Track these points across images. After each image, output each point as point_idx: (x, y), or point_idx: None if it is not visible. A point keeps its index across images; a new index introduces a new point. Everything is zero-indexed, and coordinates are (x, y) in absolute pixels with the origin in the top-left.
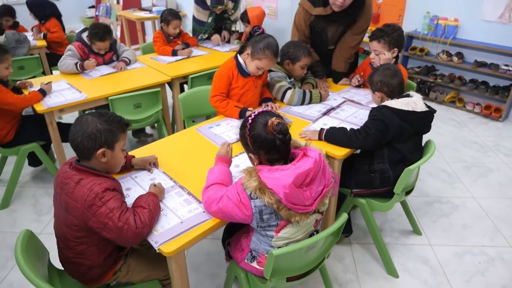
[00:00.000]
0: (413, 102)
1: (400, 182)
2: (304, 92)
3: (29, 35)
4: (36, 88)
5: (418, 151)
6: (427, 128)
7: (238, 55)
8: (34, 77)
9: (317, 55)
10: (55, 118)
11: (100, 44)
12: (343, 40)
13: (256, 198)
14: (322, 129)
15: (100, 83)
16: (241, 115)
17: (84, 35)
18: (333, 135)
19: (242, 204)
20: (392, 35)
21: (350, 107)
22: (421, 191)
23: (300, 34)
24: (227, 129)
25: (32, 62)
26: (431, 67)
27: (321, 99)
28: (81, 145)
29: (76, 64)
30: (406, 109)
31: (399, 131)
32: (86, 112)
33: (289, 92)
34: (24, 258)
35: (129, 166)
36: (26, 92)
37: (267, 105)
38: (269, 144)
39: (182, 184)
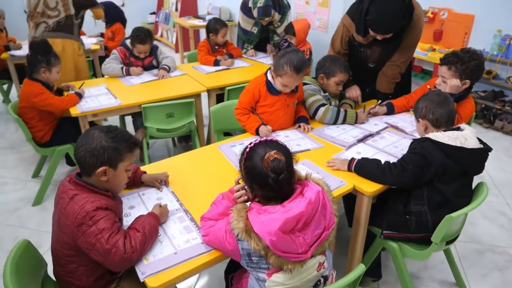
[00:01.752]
0: (463, 137)
1: (439, 230)
2: (338, 111)
3: (84, 38)
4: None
5: (465, 195)
6: (479, 169)
7: (268, 71)
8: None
9: (355, 72)
10: (101, 121)
11: (141, 47)
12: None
13: (244, 240)
14: (353, 159)
15: (138, 90)
16: (257, 131)
17: (128, 41)
18: (364, 167)
19: (228, 244)
20: (468, 64)
21: (391, 134)
22: (472, 236)
23: (335, 51)
24: None
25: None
26: (499, 92)
27: (357, 121)
28: (82, 160)
29: (122, 68)
30: (453, 144)
31: (443, 169)
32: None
33: (321, 109)
34: (13, 271)
35: (138, 182)
36: (66, 94)
37: (299, 126)
38: (263, 179)
39: (187, 208)
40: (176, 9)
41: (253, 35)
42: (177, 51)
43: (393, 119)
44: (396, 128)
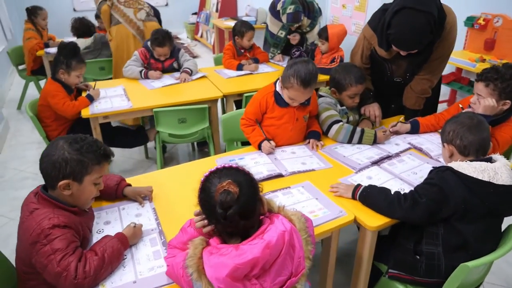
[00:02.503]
0: (493, 170)
1: (452, 280)
2: (354, 130)
3: None
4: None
5: (490, 239)
6: (510, 210)
7: (278, 81)
8: (111, 78)
9: (379, 87)
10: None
11: (159, 50)
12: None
13: (197, 281)
14: (359, 186)
15: (156, 93)
16: (260, 147)
17: (149, 43)
18: (369, 197)
19: (184, 281)
20: (510, 82)
21: (413, 158)
22: (508, 279)
23: (355, 61)
24: (250, 165)
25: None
26: None
27: (376, 141)
28: (45, 171)
29: (141, 71)
30: (479, 177)
31: (464, 207)
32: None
33: (334, 127)
34: None
35: (120, 195)
36: (84, 94)
37: (309, 142)
38: (215, 213)
39: (164, 229)
40: (217, 10)
41: (280, 39)
42: (214, 52)
43: (419, 139)
44: (420, 150)
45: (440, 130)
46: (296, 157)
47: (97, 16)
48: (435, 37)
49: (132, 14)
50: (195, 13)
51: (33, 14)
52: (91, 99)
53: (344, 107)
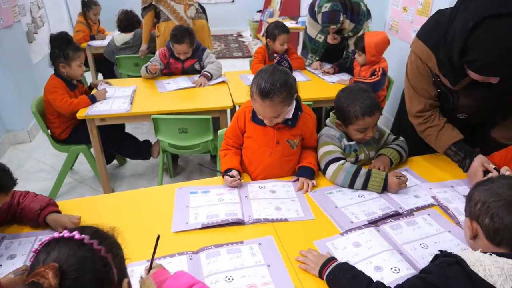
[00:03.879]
0: None
1: None
2: (357, 172)
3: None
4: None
5: None
6: None
7: None
8: None
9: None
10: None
11: (178, 47)
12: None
13: None
14: (331, 261)
15: (165, 97)
16: (225, 179)
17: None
18: (337, 283)
19: None
20: None
21: (430, 221)
22: None
23: (420, 95)
24: (212, 202)
25: (146, 60)
26: None
27: (388, 189)
28: None
29: (146, 67)
30: (498, 284)
31: None
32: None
33: (332, 167)
34: None
35: (42, 223)
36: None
37: (297, 180)
38: None
39: None
40: (280, 8)
41: (319, 44)
42: None
43: (450, 193)
44: (445, 210)
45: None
46: (273, 197)
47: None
48: None
49: (183, 11)
50: (260, 11)
51: (87, 7)
52: (93, 99)
53: (353, 142)
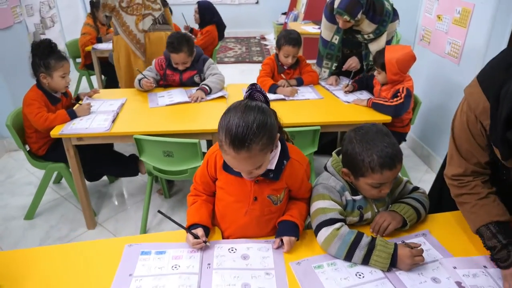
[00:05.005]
0: None
1: None
2: (356, 243)
3: None
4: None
5: None
6: None
7: None
8: None
9: None
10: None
11: (175, 57)
12: None
13: None
14: None
15: (154, 113)
16: (187, 239)
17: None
18: None
19: None
20: None
21: None
22: None
23: (464, 157)
24: (164, 271)
25: None
26: None
27: (398, 265)
28: None
29: (139, 80)
30: None
31: None
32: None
33: (324, 232)
34: None
35: None
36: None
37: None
38: None
39: None
40: (305, 11)
41: (334, 47)
42: None
43: (482, 278)
44: None
45: None
46: (244, 268)
47: None
48: None
49: (133, 24)
50: (285, 13)
51: (96, 7)
52: (72, 115)
53: (359, 197)
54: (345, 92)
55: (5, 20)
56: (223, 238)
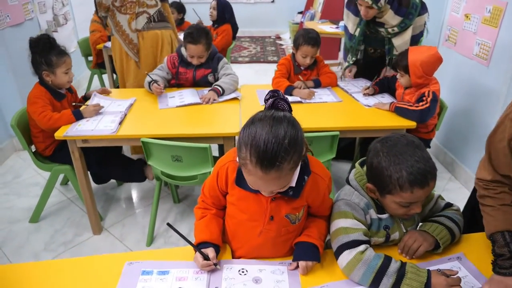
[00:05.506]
0: None
1: None
2: (383, 269)
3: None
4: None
5: None
6: None
7: None
8: None
9: None
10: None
11: (192, 48)
12: None
13: None
14: None
15: (164, 115)
16: (196, 259)
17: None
18: None
19: None
20: None
21: None
22: None
23: (497, 168)
24: None
25: None
26: None
27: None
28: None
29: (150, 83)
30: None
31: None
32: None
33: (346, 255)
34: None
35: None
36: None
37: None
38: None
39: None
40: (322, 10)
41: (355, 40)
42: None
43: None
44: None
45: None
46: (257, 286)
47: None
48: None
49: (126, 23)
50: (301, 12)
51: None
52: (78, 116)
53: (386, 215)
54: (364, 94)
55: (16, 16)
56: (233, 257)
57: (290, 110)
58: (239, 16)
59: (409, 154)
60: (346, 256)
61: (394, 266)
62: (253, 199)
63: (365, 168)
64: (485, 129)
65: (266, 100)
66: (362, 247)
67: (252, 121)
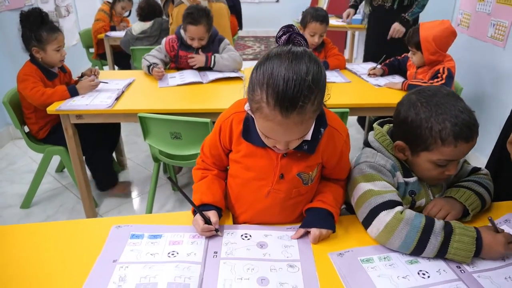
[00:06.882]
0: None
1: None
2: (429, 227)
3: None
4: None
5: None
6: None
7: None
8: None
9: None
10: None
11: (192, 29)
12: None
13: None
14: None
15: (163, 93)
16: (195, 221)
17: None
18: None
19: None
20: None
21: None
22: None
23: None
24: (157, 258)
25: None
26: None
27: (482, 254)
28: None
29: (149, 66)
30: None
31: None
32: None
33: (383, 217)
34: None
35: None
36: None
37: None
38: None
39: None
40: (327, 7)
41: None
42: None
43: None
44: None
45: None
46: (260, 258)
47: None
48: None
49: None
50: None
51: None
52: (73, 92)
53: (413, 179)
54: (370, 75)
55: (15, 1)
56: (235, 224)
57: (307, 44)
58: (243, 15)
59: (452, 104)
60: (384, 218)
61: (439, 223)
62: (262, 155)
63: (385, 127)
64: (502, 112)
65: (278, 38)
66: (399, 208)
67: (267, 57)
